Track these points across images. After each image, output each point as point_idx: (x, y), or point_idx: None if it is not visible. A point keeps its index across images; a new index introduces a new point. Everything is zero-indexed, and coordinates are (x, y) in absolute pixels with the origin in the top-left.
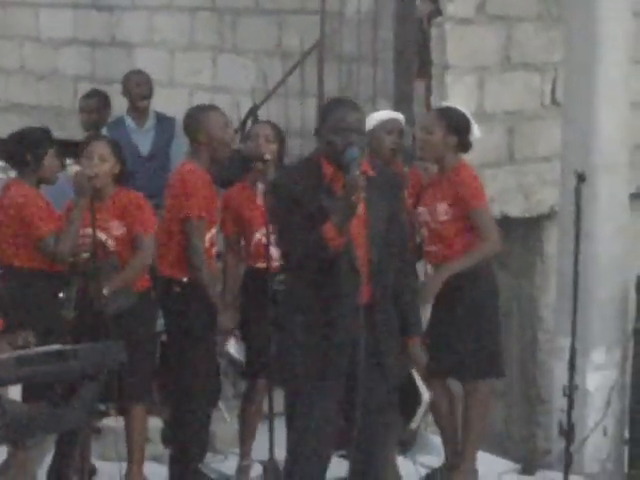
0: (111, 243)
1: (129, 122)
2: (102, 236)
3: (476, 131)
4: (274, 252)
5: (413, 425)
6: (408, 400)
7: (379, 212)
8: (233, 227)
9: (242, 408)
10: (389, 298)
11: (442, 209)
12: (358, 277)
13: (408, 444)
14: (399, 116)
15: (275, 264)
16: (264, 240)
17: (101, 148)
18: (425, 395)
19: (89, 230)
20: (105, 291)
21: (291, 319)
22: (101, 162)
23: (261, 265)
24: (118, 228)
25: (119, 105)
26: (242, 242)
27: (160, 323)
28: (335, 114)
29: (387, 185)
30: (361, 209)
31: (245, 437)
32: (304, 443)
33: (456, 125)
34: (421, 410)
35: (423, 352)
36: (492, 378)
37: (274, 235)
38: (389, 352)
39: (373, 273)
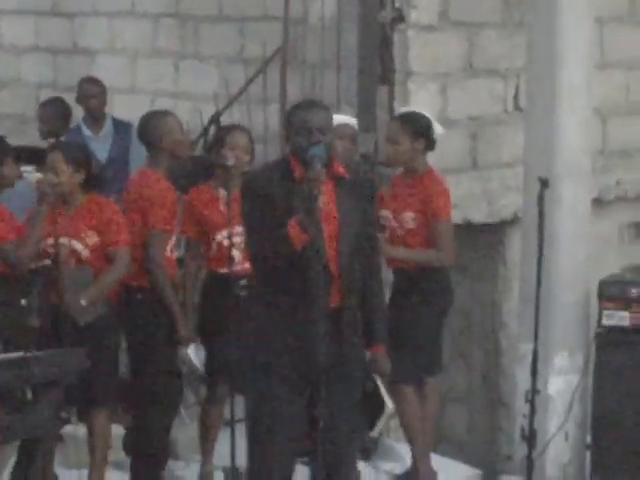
0: (86, 253)
1: (85, 130)
2: (77, 245)
3: (438, 128)
4: (236, 255)
5: (374, 433)
6: (371, 407)
7: (351, 215)
8: (194, 230)
9: (203, 413)
10: (356, 303)
11: (409, 217)
12: (329, 279)
13: (370, 451)
14: (351, 121)
15: (238, 268)
16: (225, 243)
17: (54, 161)
18: (389, 403)
19: (51, 239)
20: (83, 302)
21: (260, 321)
22: (55, 175)
23: (222, 270)
24: (92, 238)
25: (81, 112)
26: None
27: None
28: (299, 116)
29: (361, 189)
30: (333, 211)
31: (206, 442)
32: (268, 449)
33: (421, 129)
34: (384, 419)
35: (387, 362)
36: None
37: (243, 236)
38: (354, 359)
39: (342, 276)
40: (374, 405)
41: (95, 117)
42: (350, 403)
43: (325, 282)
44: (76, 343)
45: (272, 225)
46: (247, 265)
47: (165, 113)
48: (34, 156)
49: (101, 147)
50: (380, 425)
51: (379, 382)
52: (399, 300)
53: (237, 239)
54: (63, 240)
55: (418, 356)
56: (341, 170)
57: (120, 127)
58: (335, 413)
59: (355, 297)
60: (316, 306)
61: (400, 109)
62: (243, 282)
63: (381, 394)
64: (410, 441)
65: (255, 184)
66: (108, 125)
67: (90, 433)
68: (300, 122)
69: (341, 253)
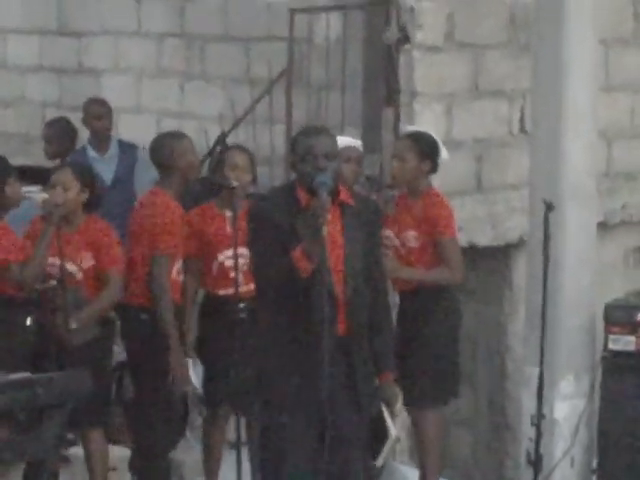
0: (80, 275)
1: (90, 151)
2: (72, 267)
3: (444, 153)
4: (239, 277)
5: (379, 462)
6: (375, 435)
7: (356, 242)
8: (195, 249)
9: (204, 436)
10: (364, 330)
11: (411, 236)
12: (335, 307)
13: (375, 475)
14: (357, 143)
15: (240, 290)
16: (227, 263)
17: (64, 176)
18: (393, 432)
19: (56, 259)
20: (74, 325)
21: (265, 349)
22: (64, 191)
23: (222, 292)
24: (88, 260)
25: (87, 133)
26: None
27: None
28: (304, 142)
29: (366, 215)
30: (339, 238)
31: (210, 466)
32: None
33: (429, 150)
34: (387, 447)
35: (394, 389)
36: (439, 405)
37: (245, 261)
38: (364, 386)
39: (348, 303)
40: (378, 433)
41: (101, 138)
42: (359, 431)
43: (331, 310)
44: (69, 364)
45: (278, 253)
46: (248, 287)
47: (179, 135)
48: (39, 176)
49: (106, 169)
50: (384, 453)
51: (384, 409)
52: (406, 323)
53: (241, 261)
54: (54, 260)
55: (435, 379)
56: (346, 196)
57: (125, 149)
58: (344, 442)
59: (363, 324)
60: (322, 334)
61: (407, 128)
62: (243, 305)
63: (386, 422)
64: (422, 463)
65: (261, 211)
66: (114, 147)
67: (86, 454)
68: (305, 148)
69: (348, 281)
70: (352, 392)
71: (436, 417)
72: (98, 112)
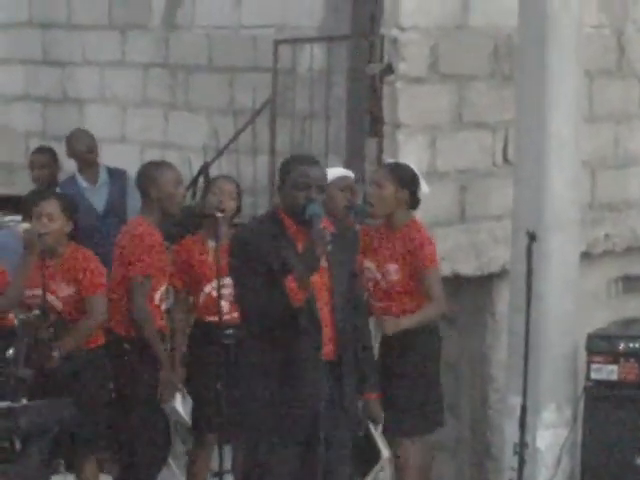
0: (58, 304)
1: (81, 181)
2: (51, 297)
3: (424, 187)
4: (224, 305)
5: None
6: (365, 456)
7: (342, 268)
8: (182, 281)
9: (190, 463)
10: (352, 354)
11: (393, 269)
12: (320, 333)
13: None
14: (350, 173)
15: (225, 317)
16: (214, 294)
17: (49, 207)
18: (384, 452)
19: (39, 290)
20: (55, 354)
21: (252, 379)
22: (50, 221)
23: (210, 319)
24: (65, 289)
25: (71, 162)
26: (190, 297)
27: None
28: (296, 170)
29: (347, 242)
30: (324, 265)
31: None
32: None
33: (407, 180)
34: (377, 467)
35: (379, 409)
36: (424, 434)
37: (232, 291)
38: (354, 407)
39: (338, 329)
40: (368, 453)
41: (90, 167)
42: (348, 452)
43: (316, 337)
44: (60, 392)
45: (265, 281)
46: (234, 315)
47: (163, 165)
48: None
49: (98, 197)
50: (373, 473)
51: (373, 430)
52: (388, 355)
53: (225, 291)
54: (36, 291)
55: (419, 408)
56: (328, 224)
57: (115, 175)
58: (334, 464)
59: (351, 348)
60: (307, 360)
61: (388, 160)
62: (230, 331)
63: (376, 443)
64: None
65: (246, 240)
66: (103, 175)
67: None
68: (300, 176)
69: (336, 307)
70: (342, 414)
71: (420, 447)
72: (82, 140)
